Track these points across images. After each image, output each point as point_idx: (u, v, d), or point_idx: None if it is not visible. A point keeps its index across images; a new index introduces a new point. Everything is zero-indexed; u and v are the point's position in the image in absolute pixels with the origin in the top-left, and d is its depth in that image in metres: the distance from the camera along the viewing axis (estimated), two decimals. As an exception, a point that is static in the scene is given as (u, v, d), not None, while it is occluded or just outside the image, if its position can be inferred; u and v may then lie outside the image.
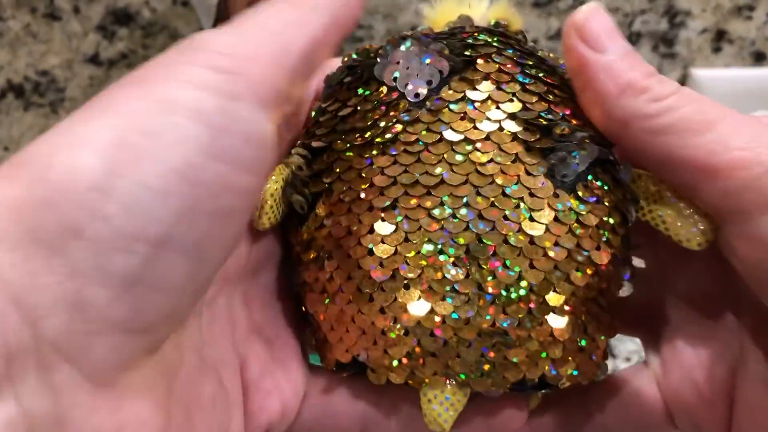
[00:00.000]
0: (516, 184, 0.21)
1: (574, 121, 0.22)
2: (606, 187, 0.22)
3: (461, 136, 0.22)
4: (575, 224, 0.21)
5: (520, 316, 0.21)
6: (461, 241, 0.21)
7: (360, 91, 0.23)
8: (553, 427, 0.24)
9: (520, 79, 0.22)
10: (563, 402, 0.24)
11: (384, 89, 0.22)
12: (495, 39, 0.23)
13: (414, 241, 0.21)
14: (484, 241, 0.21)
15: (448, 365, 0.21)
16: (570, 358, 0.22)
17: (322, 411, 0.23)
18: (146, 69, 0.17)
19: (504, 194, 0.21)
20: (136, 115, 0.16)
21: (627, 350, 0.53)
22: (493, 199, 0.21)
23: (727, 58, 0.66)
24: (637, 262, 0.24)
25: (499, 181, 0.21)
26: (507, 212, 0.21)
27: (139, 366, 0.17)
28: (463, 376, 0.21)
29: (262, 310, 0.24)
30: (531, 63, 0.23)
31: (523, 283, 0.21)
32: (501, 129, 0.22)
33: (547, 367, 0.21)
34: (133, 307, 0.16)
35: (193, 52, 0.17)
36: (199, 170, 0.16)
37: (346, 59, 0.24)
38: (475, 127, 0.22)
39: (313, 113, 0.24)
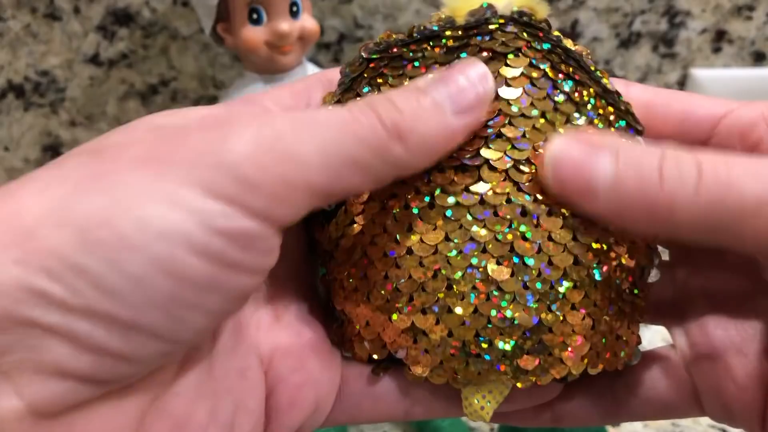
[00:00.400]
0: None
1: (601, 111, 0.22)
2: None
3: (496, 133, 0.21)
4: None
5: (565, 312, 0.21)
6: (505, 239, 0.21)
7: (380, 80, 0.22)
8: (582, 409, 0.24)
9: (551, 76, 0.22)
10: (592, 384, 0.24)
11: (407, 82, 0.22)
12: (523, 31, 0.23)
13: (455, 240, 0.21)
14: (528, 238, 0.21)
15: (492, 365, 0.21)
16: (609, 348, 0.22)
17: (363, 396, 0.23)
18: (172, 140, 0.17)
19: (545, 191, 0.21)
20: (131, 197, 0.16)
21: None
22: (536, 194, 0.21)
23: (727, 58, 0.66)
24: (660, 250, 0.24)
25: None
26: (550, 208, 0.21)
27: (103, 401, 0.17)
28: (508, 375, 0.21)
29: (287, 306, 0.23)
30: (557, 58, 0.22)
31: (567, 282, 0.21)
32: (535, 128, 0.21)
33: (586, 360, 0.21)
34: (92, 368, 0.16)
35: (220, 145, 0.17)
36: (184, 267, 0.16)
37: (362, 50, 0.23)
38: (510, 123, 0.21)
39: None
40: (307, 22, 0.51)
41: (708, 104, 0.23)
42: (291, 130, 0.18)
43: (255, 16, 0.49)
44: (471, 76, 0.20)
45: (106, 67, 0.63)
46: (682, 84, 0.66)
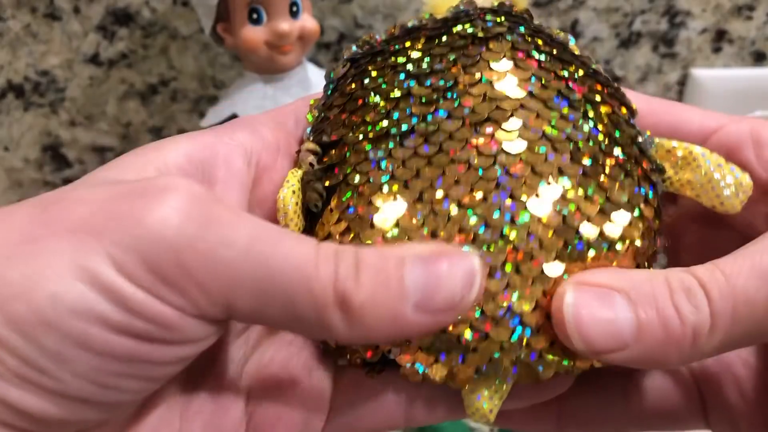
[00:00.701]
0: (544, 162, 0.20)
1: (590, 88, 0.22)
2: (633, 160, 0.21)
3: (484, 118, 0.21)
4: (605, 202, 0.20)
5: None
6: (493, 224, 0.20)
7: (366, 82, 0.22)
8: (588, 415, 0.24)
9: (535, 57, 0.22)
10: (600, 389, 0.24)
11: (390, 77, 0.22)
12: (503, 19, 0.22)
13: (439, 228, 0.20)
14: (518, 222, 0.20)
15: (492, 359, 0.20)
16: None
17: (360, 407, 0.22)
18: (108, 206, 0.16)
19: (534, 171, 0.20)
20: (52, 270, 0.16)
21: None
22: (524, 177, 0.20)
23: (727, 58, 0.66)
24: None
25: (525, 158, 0.20)
26: (539, 190, 0.20)
27: None
28: (508, 367, 0.20)
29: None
30: (542, 41, 0.22)
31: (560, 265, 0.20)
32: (523, 107, 0.21)
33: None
34: (32, 428, 0.16)
35: (150, 228, 0.16)
36: (101, 343, 0.16)
37: (345, 53, 0.23)
38: (498, 108, 0.21)
39: (316, 111, 0.23)
40: (307, 21, 0.51)
41: (699, 118, 0.23)
42: (241, 243, 0.17)
43: (255, 15, 0.49)
44: (456, 271, 0.17)
45: (106, 67, 0.63)
46: (682, 84, 0.66)
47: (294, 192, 0.21)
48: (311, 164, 0.22)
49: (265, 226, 0.17)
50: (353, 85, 0.22)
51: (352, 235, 0.21)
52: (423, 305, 0.17)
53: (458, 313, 0.18)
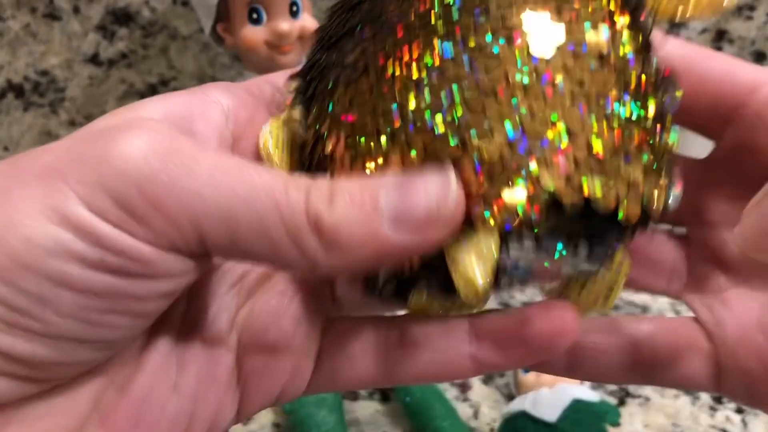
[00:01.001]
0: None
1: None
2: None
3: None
4: (595, 61, 0.19)
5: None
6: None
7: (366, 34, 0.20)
8: (600, 360, 0.23)
9: None
10: (613, 331, 0.23)
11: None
12: None
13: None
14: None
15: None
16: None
17: (342, 357, 0.21)
18: (76, 150, 0.17)
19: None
20: (24, 215, 0.16)
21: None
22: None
23: (728, 58, 0.66)
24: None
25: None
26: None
27: (46, 396, 0.17)
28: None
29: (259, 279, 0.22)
30: None
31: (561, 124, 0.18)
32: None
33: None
34: (27, 373, 0.16)
35: (116, 163, 0.16)
36: (79, 280, 0.16)
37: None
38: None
39: (305, 61, 0.21)
40: (307, 21, 0.51)
41: (751, 70, 0.22)
42: (204, 173, 0.17)
43: (255, 15, 0.49)
44: (431, 187, 0.17)
45: (106, 66, 0.63)
46: (682, 84, 0.67)
47: (274, 131, 0.20)
48: (296, 99, 0.21)
49: (232, 157, 0.17)
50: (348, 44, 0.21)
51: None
52: (399, 220, 0.17)
53: (440, 228, 0.17)
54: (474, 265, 0.18)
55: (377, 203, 0.17)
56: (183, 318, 0.20)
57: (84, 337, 0.17)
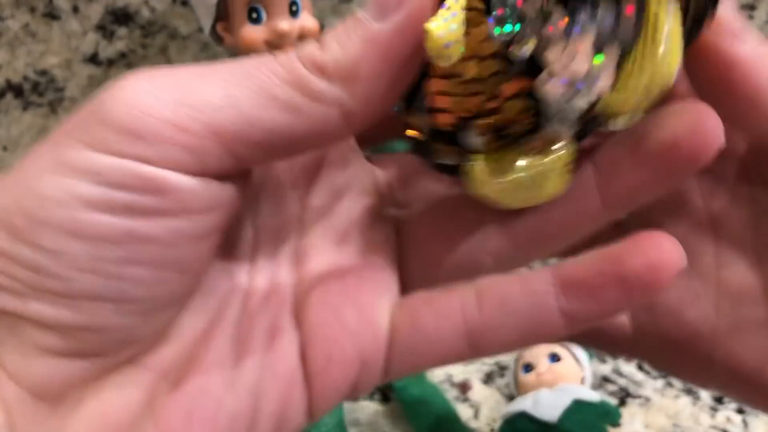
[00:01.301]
0: None
1: None
2: None
3: None
4: None
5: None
6: None
7: None
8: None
9: None
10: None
11: None
12: None
13: None
14: None
15: None
16: None
17: (415, 337, 0.19)
18: (64, 126, 0.17)
19: None
20: (33, 174, 0.16)
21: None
22: None
23: (728, 58, 0.66)
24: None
25: None
26: None
27: (105, 379, 0.17)
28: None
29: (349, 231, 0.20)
30: None
31: None
32: None
33: None
34: (64, 344, 0.16)
35: (103, 101, 0.17)
36: (90, 226, 0.16)
37: None
38: None
39: None
40: (307, 21, 0.51)
41: None
42: (188, 77, 0.16)
43: (254, 15, 0.49)
44: None
45: (105, 66, 0.62)
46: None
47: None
48: None
49: (222, 65, 0.17)
50: None
51: None
52: (380, 13, 0.17)
53: (418, 13, 0.16)
54: (439, 18, 0.17)
55: (358, 19, 0.17)
56: (239, 309, 0.19)
57: (105, 294, 0.16)
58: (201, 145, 0.16)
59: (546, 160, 0.18)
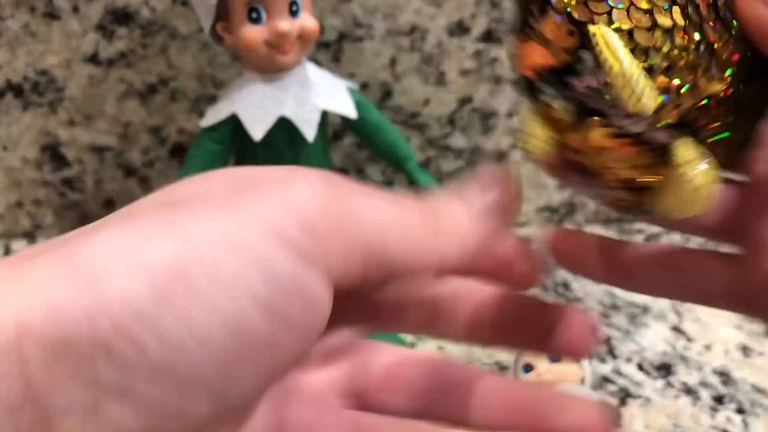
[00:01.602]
0: None
1: None
2: None
3: None
4: None
5: None
6: None
7: None
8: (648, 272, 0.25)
9: None
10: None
11: None
12: None
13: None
14: None
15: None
16: None
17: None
18: (239, 185, 0.17)
19: None
20: (203, 244, 0.16)
21: (629, 350, 0.53)
22: None
23: (728, 58, 0.66)
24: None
25: None
26: None
27: None
28: None
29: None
30: None
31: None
32: None
33: None
34: (146, 426, 0.16)
35: (291, 193, 0.17)
36: (246, 323, 0.16)
37: None
38: None
39: None
40: (307, 21, 0.51)
41: None
42: (354, 194, 0.18)
43: (254, 15, 0.49)
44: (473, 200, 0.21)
45: (105, 66, 0.62)
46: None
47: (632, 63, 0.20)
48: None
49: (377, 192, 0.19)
50: None
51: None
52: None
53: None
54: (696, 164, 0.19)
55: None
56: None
57: (214, 387, 0.16)
58: (354, 260, 0.18)
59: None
